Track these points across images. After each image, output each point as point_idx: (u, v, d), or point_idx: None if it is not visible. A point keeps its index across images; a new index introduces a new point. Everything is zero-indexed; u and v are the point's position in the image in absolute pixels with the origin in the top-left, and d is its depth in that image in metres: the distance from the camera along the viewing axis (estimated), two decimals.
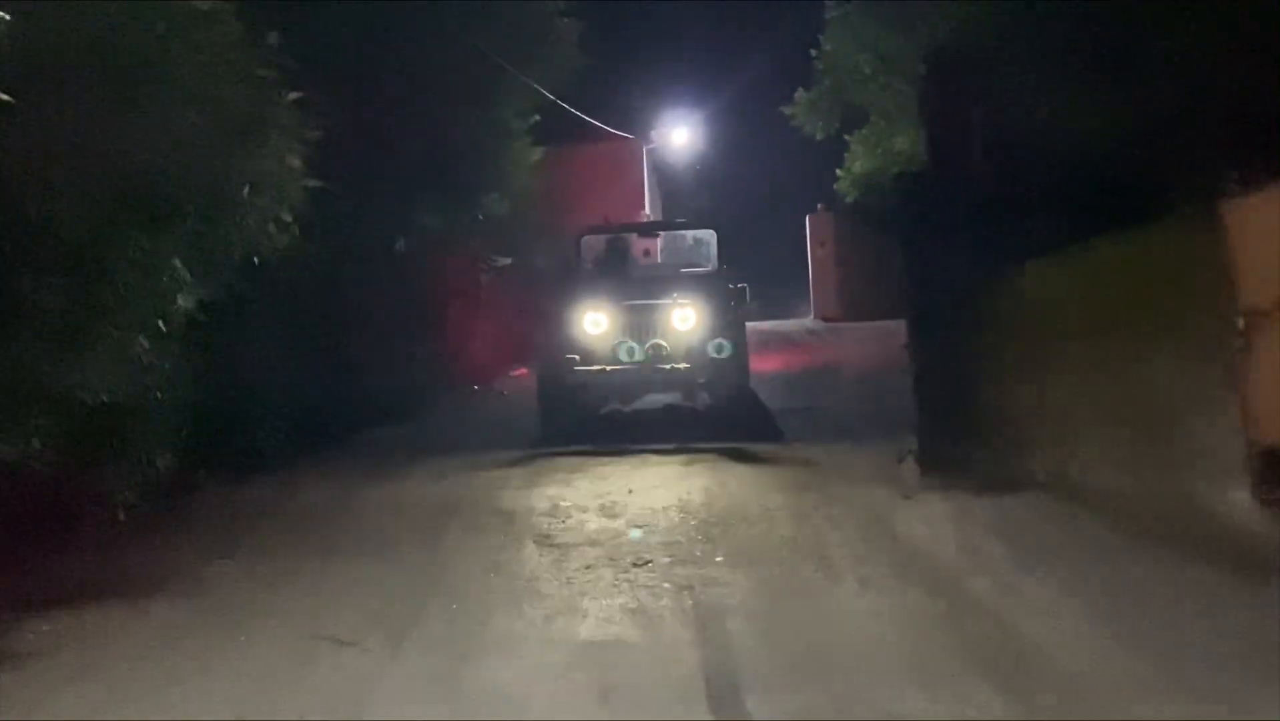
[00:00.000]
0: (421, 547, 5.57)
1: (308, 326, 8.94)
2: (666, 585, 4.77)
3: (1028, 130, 6.23)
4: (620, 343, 9.22)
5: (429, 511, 6.50)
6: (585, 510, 6.34)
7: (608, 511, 6.31)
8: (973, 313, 6.39)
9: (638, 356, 9.19)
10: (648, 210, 22.83)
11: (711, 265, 10.91)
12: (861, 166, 19.48)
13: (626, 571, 5.00)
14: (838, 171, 20.21)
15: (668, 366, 9.27)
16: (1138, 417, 5.06)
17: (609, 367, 9.26)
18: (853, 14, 17.07)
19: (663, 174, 25.11)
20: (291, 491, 7.36)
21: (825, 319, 21.65)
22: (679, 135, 23.36)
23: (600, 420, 9.93)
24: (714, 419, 9.49)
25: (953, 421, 6.53)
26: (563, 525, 6.01)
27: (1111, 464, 5.21)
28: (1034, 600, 4.35)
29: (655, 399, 10.10)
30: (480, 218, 14.83)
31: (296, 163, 6.61)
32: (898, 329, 8.10)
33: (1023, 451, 5.99)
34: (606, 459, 8.09)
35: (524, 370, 13.71)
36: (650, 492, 6.78)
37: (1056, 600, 4.31)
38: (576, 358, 9.28)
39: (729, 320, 9.62)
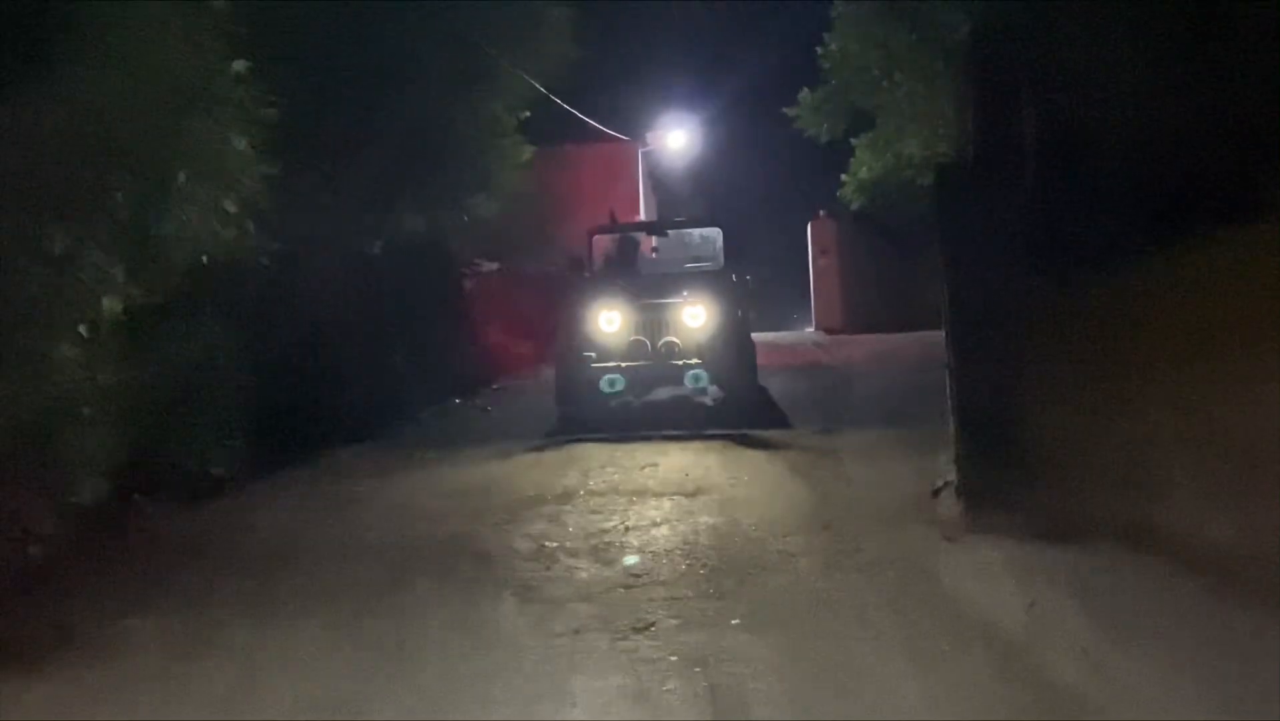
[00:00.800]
0: (379, 603, 4.65)
1: (268, 333, 8.01)
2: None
3: (1093, 115, 5.36)
4: (634, 340, 9.66)
5: (396, 554, 5.57)
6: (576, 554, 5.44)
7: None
8: (1027, 326, 5.50)
9: (651, 353, 9.63)
10: (642, 216, 21.95)
11: (718, 262, 11.21)
12: (868, 172, 18.65)
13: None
14: (842, 177, 19.37)
15: (680, 362, 9.64)
16: (1245, 453, 4.17)
17: (624, 364, 9.57)
18: (861, 10, 16.24)
19: (659, 178, 24.24)
20: (239, 523, 6.43)
21: (827, 330, 20.82)
22: (676, 138, 22.48)
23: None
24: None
25: (1000, 450, 5.62)
26: (547, 572, 5.11)
27: (1211, 509, 4.32)
28: (1134, 687, 3.47)
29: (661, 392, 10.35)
30: (466, 219, 13.95)
31: (243, 144, 5.69)
32: (911, 342, 7.27)
33: (1089, 490, 5.09)
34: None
35: (523, 376, 12.87)
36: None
37: (1163, 688, 3.43)
38: (593, 355, 9.63)
39: (737, 318, 10.04)
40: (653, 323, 9.75)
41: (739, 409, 9.57)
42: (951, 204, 5.97)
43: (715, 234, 11.57)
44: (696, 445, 8.44)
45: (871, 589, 4.68)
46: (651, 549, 5.45)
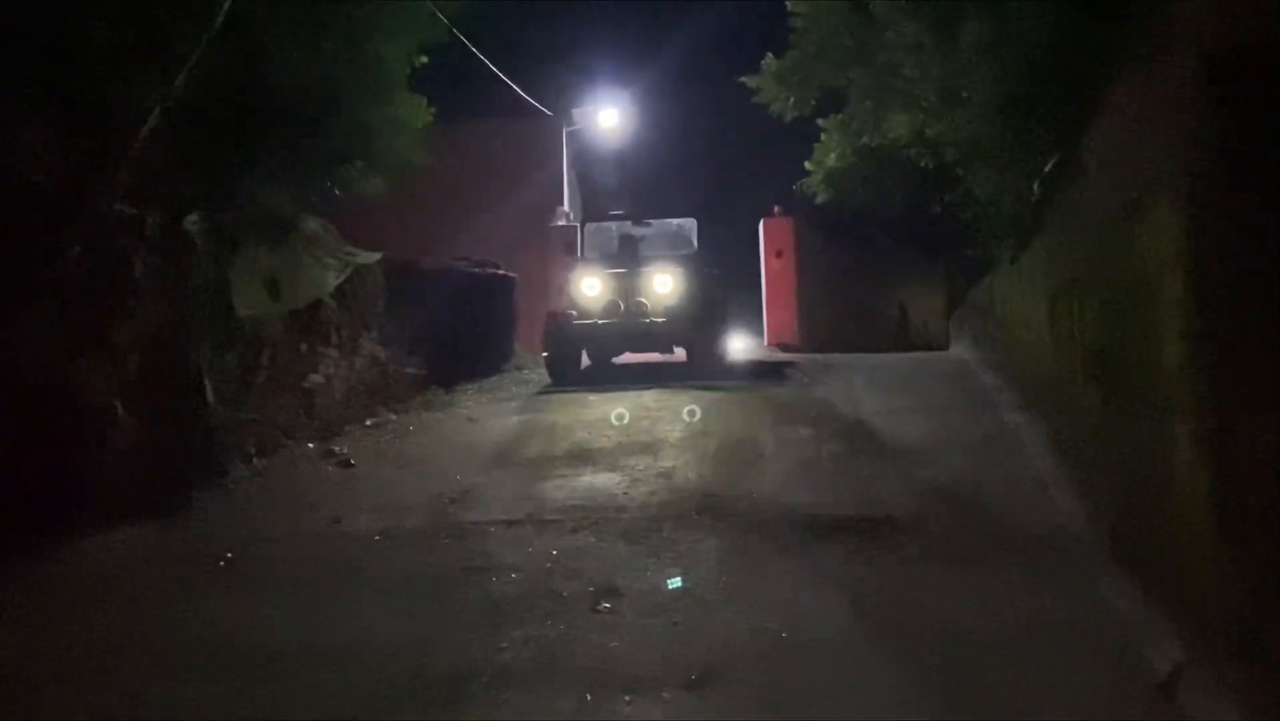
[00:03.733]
0: None
1: None
2: None
3: None
4: (610, 301, 11.58)
5: None
6: None
7: None
8: None
9: (623, 310, 11.53)
10: (566, 206, 18.66)
11: (692, 248, 12.88)
12: (838, 159, 15.69)
13: None
14: (806, 165, 16.41)
15: (647, 320, 11.47)
16: None
17: (600, 321, 11.54)
18: None
19: (586, 162, 20.94)
20: None
21: (780, 346, 17.82)
22: (608, 117, 19.18)
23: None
24: None
25: None
26: None
27: None
28: None
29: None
30: (337, 194, 10.48)
31: None
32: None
33: None
34: None
35: (408, 407, 9.43)
36: None
37: None
38: (574, 313, 11.70)
39: (707, 295, 11.83)
40: (626, 288, 11.61)
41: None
42: (1212, 223, 3.01)
43: (691, 224, 13.35)
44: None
45: None
46: None
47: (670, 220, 13.34)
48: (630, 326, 11.49)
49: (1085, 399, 4.95)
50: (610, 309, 11.53)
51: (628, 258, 12.15)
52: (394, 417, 8.96)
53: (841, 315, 17.86)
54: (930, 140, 11.55)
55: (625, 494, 6.08)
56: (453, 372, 11.03)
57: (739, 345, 15.01)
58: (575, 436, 7.72)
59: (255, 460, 7.00)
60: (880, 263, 19.44)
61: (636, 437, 7.57)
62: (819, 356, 14.33)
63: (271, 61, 8.34)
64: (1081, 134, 5.58)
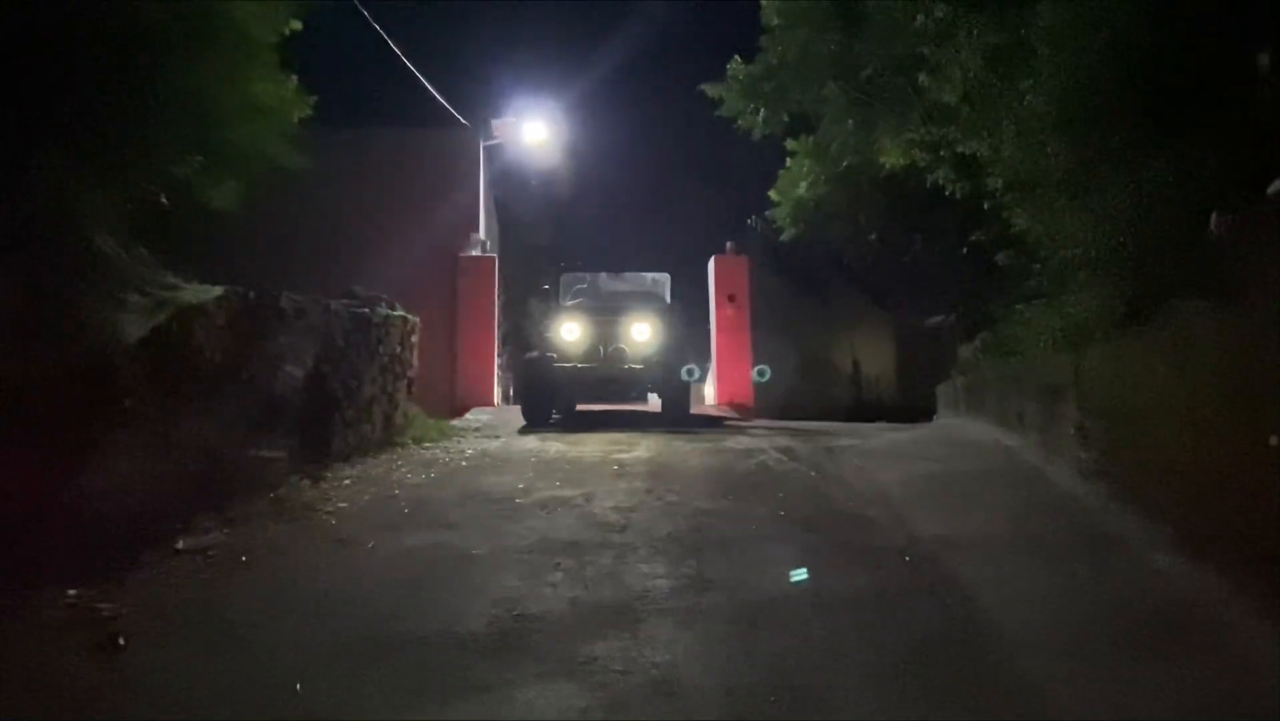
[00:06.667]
0: None
1: None
2: None
3: None
4: (589, 346, 12.11)
5: None
6: None
7: None
8: None
9: (602, 356, 12.06)
10: (483, 234, 15.77)
11: (665, 303, 13.48)
12: (809, 188, 13.23)
13: None
14: (770, 194, 13.93)
15: (626, 366, 12.06)
16: None
17: (580, 365, 12.04)
18: None
19: (508, 183, 18.11)
20: None
21: (731, 405, 15.21)
22: (534, 130, 16.34)
23: None
24: None
25: None
26: None
27: None
28: None
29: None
30: (164, 201, 7.55)
31: None
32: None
33: None
34: None
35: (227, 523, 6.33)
36: None
37: None
38: (554, 356, 12.12)
39: (680, 347, 12.58)
40: (605, 334, 12.13)
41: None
42: None
43: (665, 278, 13.99)
44: None
45: None
46: None
47: (645, 274, 14.20)
48: (609, 371, 11.93)
49: None
50: (590, 354, 11.95)
51: (605, 306, 12.72)
52: (223, 535, 5.92)
53: (802, 369, 15.41)
54: (958, 161, 9.12)
55: None
56: (325, 452, 8.04)
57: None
58: (505, 587, 4.87)
59: None
60: (839, 309, 17.16)
61: (600, 595, 4.76)
62: (797, 425, 11.76)
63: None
64: None
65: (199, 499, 6.31)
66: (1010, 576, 5.01)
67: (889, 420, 12.99)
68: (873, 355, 18.03)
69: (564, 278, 14.06)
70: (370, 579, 5.14)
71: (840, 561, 5.22)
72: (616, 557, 5.32)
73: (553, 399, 12.21)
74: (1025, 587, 4.84)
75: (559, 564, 5.19)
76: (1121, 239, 6.96)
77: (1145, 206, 6.77)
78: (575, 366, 11.86)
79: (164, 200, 7.36)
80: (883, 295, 17.58)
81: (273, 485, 7.04)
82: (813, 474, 7.19)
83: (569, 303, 13.27)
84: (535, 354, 12.38)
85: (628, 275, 14.19)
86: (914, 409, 13.70)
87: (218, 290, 7.08)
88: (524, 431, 10.92)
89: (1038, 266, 8.43)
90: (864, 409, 15.83)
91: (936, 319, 16.07)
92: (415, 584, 5.00)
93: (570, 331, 12.10)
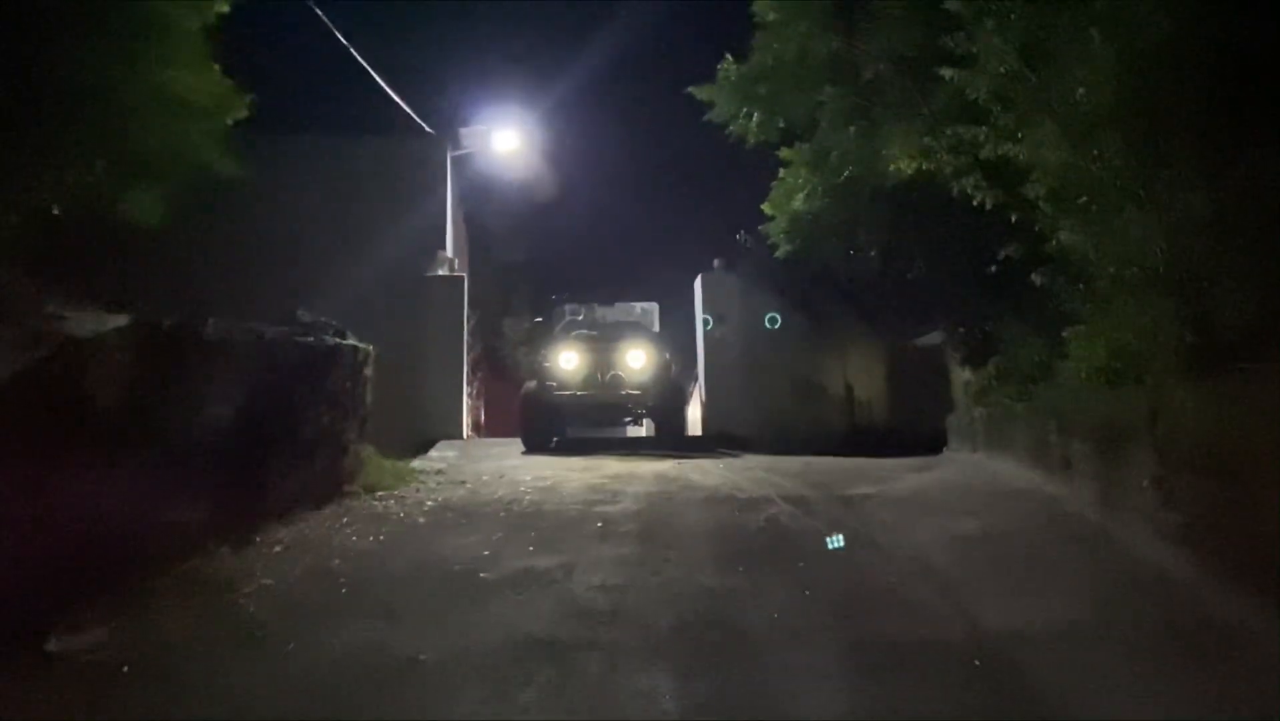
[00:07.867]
0: None
1: None
2: None
3: None
4: (587, 374, 12.56)
5: None
6: None
7: None
8: None
9: (600, 382, 12.53)
10: (450, 252, 14.58)
11: (655, 331, 14.55)
12: (806, 200, 12.15)
13: None
14: (764, 208, 12.85)
15: (624, 392, 12.54)
16: None
17: (579, 392, 12.51)
18: None
19: (479, 197, 16.94)
20: None
21: (721, 434, 14.07)
22: (505, 139, 15.18)
23: None
24: None
25: None
26: None
27: None
28: None
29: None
30: (55, 211, 6.34)
31: None
32: None
33: None
34: None
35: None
36: None
37: None
38: (554, 385, 12.59)
39: (669, 369, 13.12)
40: (602, 362, 12.63)
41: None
42: None
43: (653, 307, 15.40)
44: None
45: None
46: None
47: (635, 304, 15.19)
48: (607, 397, 12.46)
49: None
50: (589, 381, 12.45)
51: (601, 335, 13.33)
52: (106, 631, 4.68)
53: (793, 392, 14.35)
54: (987, 165, 8.06)
55: None
56: (256, 508, 6.79)
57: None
58: (458, 715, 3.68)
59: None
60: (830, 328, 16.12)
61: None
62: (797, 462, 10.65)
63: None
64: None
65: (84, 581, 5.08)
66: (1116, 687, 3.87)
67: (889, 448, 11.94)
68: (864, 376, 17.03)
69: (558, 308, 15.20)
70: (283, 698, 3.93)
71: (893, 667, 4.07)
72: (606, 663, 4.14)
73: (552, 425, 12.77)
74: (1142, 708, 3.70)
75: (531, 676, 4.00)
76: (1197, 254, 5.91)
77: (1229, 217, 5.72)
78: (574, 394, 12.38)
79: (55, 211, 6.13)
80: (874, 313, 16.57)
81: (184, 555, 5.79)
82: (835, 534, 6.01)
83: (565, 332, 13.86)
84: (534, 383, 12.92)
85: (619, 305, 15.17)
86: (913, 435, 12.73)
87: (121, 319, 5.87)
88: (494, 474, 9.70)
89: (1081, 286, 7.36)
90: (859, 435, 14.85)
91: (928, 337, 15.13)
92: (337, 707, 3.80)
93: (569, 360, 12.56)
